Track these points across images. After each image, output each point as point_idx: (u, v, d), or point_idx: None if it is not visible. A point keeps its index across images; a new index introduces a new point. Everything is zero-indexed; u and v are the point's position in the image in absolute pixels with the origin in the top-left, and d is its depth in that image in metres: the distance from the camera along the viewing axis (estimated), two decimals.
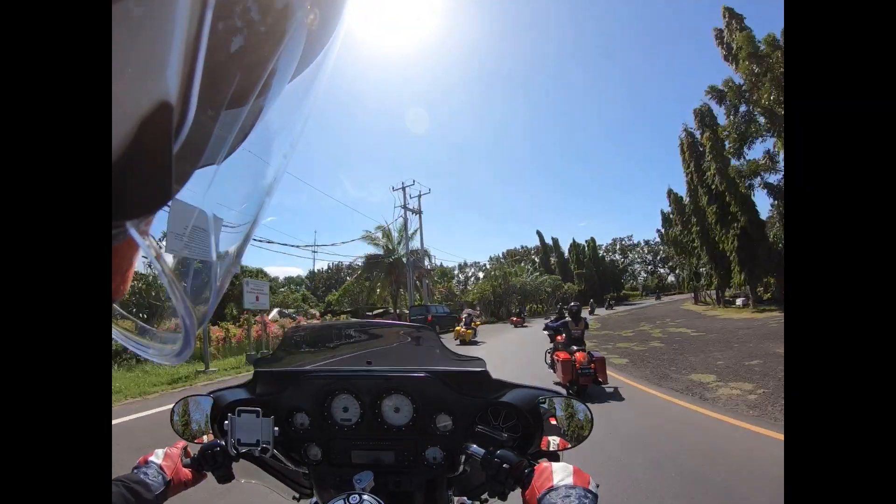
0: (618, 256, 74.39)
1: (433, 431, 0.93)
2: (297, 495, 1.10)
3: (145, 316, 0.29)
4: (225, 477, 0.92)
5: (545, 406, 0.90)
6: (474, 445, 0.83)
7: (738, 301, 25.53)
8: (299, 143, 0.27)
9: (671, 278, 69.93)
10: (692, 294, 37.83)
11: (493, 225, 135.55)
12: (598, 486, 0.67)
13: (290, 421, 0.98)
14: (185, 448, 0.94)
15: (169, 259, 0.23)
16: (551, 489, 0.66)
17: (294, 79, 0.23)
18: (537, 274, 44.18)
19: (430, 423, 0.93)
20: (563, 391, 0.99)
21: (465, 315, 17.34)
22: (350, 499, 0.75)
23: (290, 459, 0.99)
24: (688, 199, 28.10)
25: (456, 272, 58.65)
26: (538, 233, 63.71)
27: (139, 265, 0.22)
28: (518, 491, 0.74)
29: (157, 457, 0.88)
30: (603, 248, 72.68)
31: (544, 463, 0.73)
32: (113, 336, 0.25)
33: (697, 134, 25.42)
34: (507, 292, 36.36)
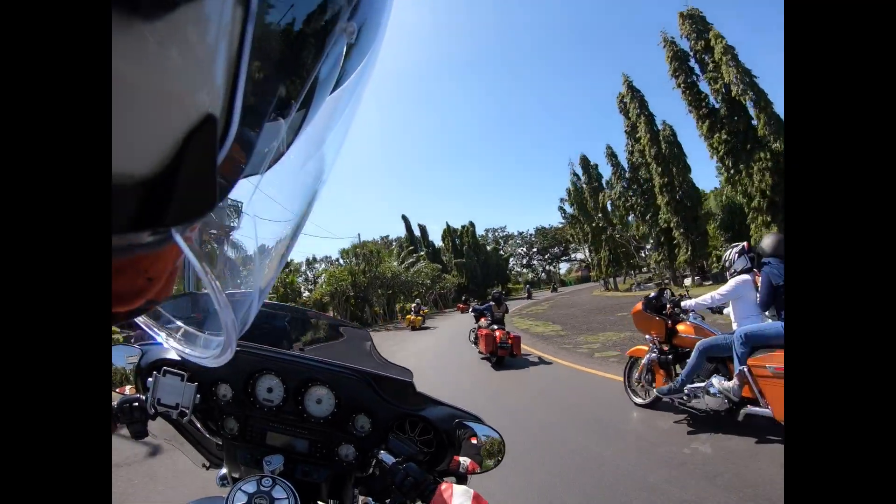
0: (490, 249, 62.17)
1: (350, 430, 0.94)
2: (206, 463, 1.11)
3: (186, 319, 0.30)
4: (139, 433, 0.91)
5: (463, 427, 0.93)
6: (385, 452, 0.85)
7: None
8: (340, 153, 0.28)
9: (543, 274, 67.70)
10: (601, 281, 34.89)
11: (352, 216, 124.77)
12: None
13: (214, 390, 0.98)
14: None
15: (213, 265, 0.24)
16: None
17: (335, 90, 0.23)
18: (412, 260, 34.20)
19: (348, 420, 0.94)
20: (481, 417, 1.00)
21: (414, 305, 21.31)
22: (263, 482, 0.76)
23: (206, 428, 0.99)
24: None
25: (303, 268, 47.73)
26: (403, 217, 50.76)
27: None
28: None
29: None
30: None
31: (448, 483, 0.75)
32: (157, 339, 0.27)
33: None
34: (372, 285, 27.49)
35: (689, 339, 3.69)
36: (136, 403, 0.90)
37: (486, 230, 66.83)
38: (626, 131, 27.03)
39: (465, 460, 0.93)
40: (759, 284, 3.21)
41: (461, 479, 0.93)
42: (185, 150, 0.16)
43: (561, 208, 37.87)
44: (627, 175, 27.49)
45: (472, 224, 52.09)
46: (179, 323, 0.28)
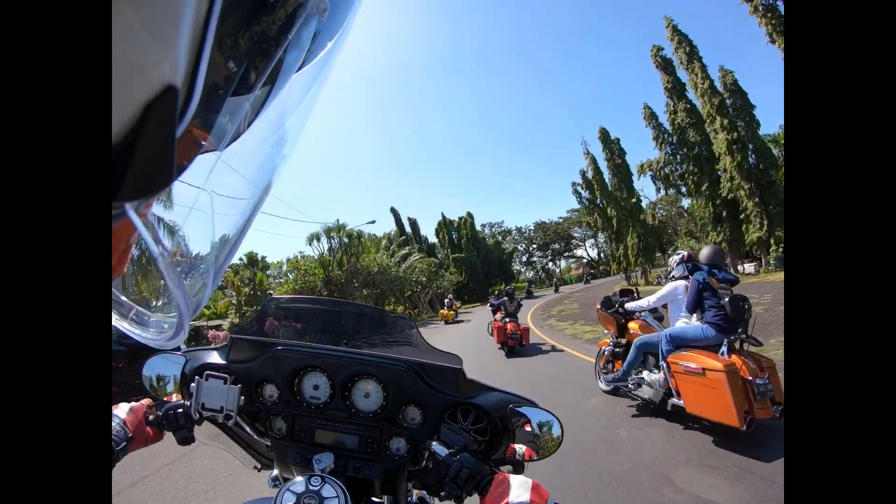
0: (490, 243, 55.83)
1: (400, 422, 0.93)
2: (258, 465, 1.10)
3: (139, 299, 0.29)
4: (185, 439, 0.92)
5: (517, 413, 0.90)
6: (437, 444, 0.82)
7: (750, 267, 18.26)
8: (301, 134, 0.27)
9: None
10: (623, 274, 30.01)
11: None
12: (556, 503, 0.66)
13: (259, 391, 0.97)
14: (150, 406, 0.94)
15: (167, 243, 0.23)
16: None
17: (301, 69, 0.23)
18: (404, 252, 28.23)
19: (398, 413, 0.93)
20: (537, 401, 0.97)
21: (447, 300, 21.88)
22: (311, 481, 0.74)
23: (254, 430, 0.98)
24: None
25: (283, 266, 44.25)
26: (392, 210, 43.57)
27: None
28: (476, 497, 0.74)
29: (122, 411, 0.88)
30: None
31: (504, 474, 0.72)
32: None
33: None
34: (350, 281, 21.65)
35: (635, 334, 4.13)
36: (181, 410, 0.91)
37: (483, 225, 60.32)
38: (666, 88, 21.93)
39: (520, 447, 0.89)
40: (689, 290, 3.49)
41: (518, 468, 0.89)
42: (142, 121, 0.15)
43: (576, 191, 31.63)
44: (674, 139, 22.21)
45: (470, 215, 45.71)
46: (130, 303, 0.27)
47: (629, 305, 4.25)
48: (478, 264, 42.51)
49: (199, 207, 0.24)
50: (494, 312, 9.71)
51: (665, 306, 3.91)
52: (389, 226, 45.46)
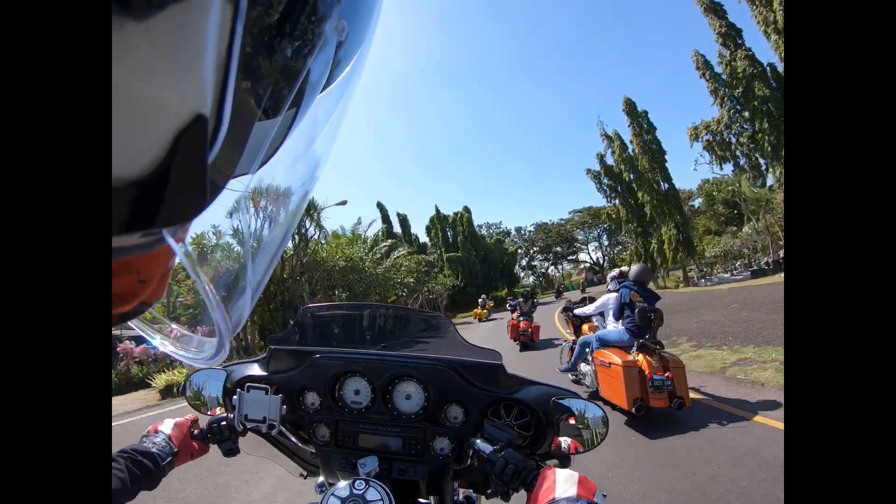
0: (491, 242, 49.77)
1: (443, 422, 0.93)
2: (304, 473, 1.11)
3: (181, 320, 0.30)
4: (231, 451, 0.93)
5: (560, 406, 0.88)
6: (481, 442, 0.82)
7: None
8: (331, 153, 0.28)
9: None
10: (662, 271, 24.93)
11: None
12: (604, 496, 0.65)
13: (301, 399, 0.98)
14: (195, 420, 0.96)
15: (205, 266, 0.24)
16: (553, 501, 0.63)
17: (325, 89, 0.23)
18: (386, 244, 21.51)
19: (440, 413, 0.93)
20: (581, 393, 0.96)
21: (480, 300, 22.94)
22: (355, 485, 0.74)
23: (298, 437, 1.00)
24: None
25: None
26: (379, 205, 37.47)
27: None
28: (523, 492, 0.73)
29: (167, 426, 0.90)
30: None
31: (551, 468, 0.71)
32: (149, 339, 0.27)
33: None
34: (296, 278, 15.09)
35: (584, 334, 5.16)
36: (224, 423, 0.91)
37: (480, 225, 52.27)
38: (719, 33, 18.58)
39: (565, 440, 0.88)
40: (615, 301, 4.30)
41: (564, 461, 0.88)
42: (175, 150, 0.15)
43: (596, 176, 27.07)
44: (738, 92, 17.96)
45: (467, 209, 39.22)
46: (172, 324, 0.28)
47: (576, 311, 5.41)
48: (476, 265, 37.12)
49: (235, 230, 0.25)
50: (512, 312, 10.71)
51: (602, 314, 4.82)
52: (377, 226, 32.07)
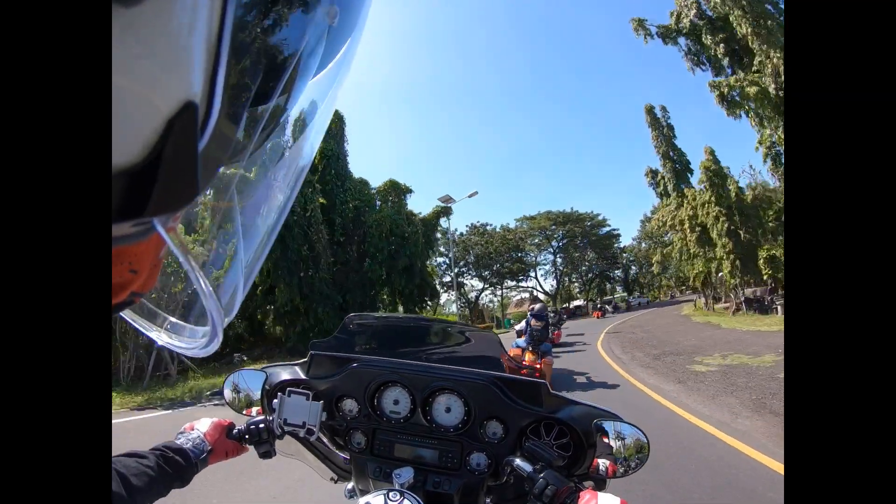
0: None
1: (481, 437, 0.92)
2: (335, 477, 1.11)
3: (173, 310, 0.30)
4: (267, 453, 0.94)
5: (602, 428, 0.87)
6: (521, 460, 0.81)
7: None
8: (321, 140, 0.28)
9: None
10: (702, 297, 22.10)
11: None
12: None
13: (339, 406, 0.99)
14: (231, 421, 0.96)
15: (196, 254, 0.24)
16: None
17: (316, 76, 0.23)
18: None
19: (479, 428, 0.92)
20: (622, 415, 0.95)
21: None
22: (391, 495, 0.74)
23: (333, 443, 1.00)
24: None
25: None
26: None
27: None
28: None
29: (203, 424, 0.91)
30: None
31: (592, 492, 0.70)
32: (142, 330, 0.27)
33: None
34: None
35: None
36: (263, 425, 0.92)
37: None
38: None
39: (603, 462, 0.85)
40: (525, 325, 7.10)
41: (600, 484, 0.87)
42: (165, 138, 0.15)
43: (660, 182, 23.38)
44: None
45: (338, 114, 19.12)
46: (164, 314, 0.28)
47: (516, 327, 7.76)
48: (353, 249, 19.07)
49: (227, 217, 0.25)
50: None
51: (529, 332, 7.15)
52: None
